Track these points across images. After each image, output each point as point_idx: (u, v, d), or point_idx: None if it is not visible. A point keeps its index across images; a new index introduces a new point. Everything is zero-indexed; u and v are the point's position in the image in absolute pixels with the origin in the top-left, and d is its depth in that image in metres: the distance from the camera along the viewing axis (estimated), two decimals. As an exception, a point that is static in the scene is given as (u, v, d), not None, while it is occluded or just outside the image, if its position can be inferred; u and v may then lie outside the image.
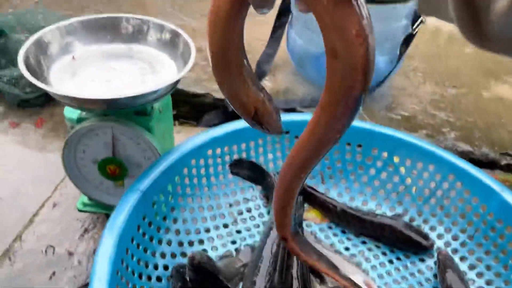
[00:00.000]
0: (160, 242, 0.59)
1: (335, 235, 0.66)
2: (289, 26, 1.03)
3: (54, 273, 0.59)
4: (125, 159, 0.62)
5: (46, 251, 0.62)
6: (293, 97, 0.97)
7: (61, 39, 0.63)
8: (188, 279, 0.53)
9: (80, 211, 0.68)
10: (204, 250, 0.62)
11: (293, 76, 1.04)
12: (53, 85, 0.58)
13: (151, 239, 0.57)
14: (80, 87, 0.59)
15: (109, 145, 0.62)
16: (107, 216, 0.68)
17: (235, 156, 0.69)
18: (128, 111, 0.61)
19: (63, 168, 0.63)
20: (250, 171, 0.70)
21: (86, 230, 0.65)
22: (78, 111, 0.93)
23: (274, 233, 0.59)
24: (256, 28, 1.27)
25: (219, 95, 0.97)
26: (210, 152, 0.65)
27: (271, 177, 0.69)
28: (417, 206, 0.66)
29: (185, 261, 0.60)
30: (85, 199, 0.69)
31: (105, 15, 0.63)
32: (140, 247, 0.55)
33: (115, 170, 0.63)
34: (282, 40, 1.06)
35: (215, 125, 0.97)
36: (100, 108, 0.54)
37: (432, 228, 0.65)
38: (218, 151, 0.66)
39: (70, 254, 0.61)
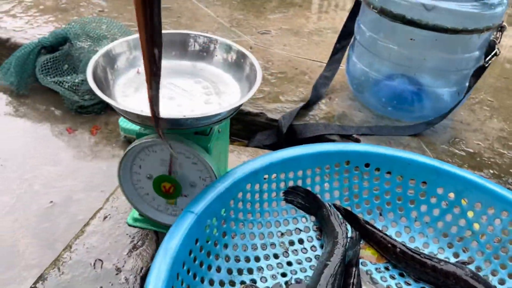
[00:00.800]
0: (209, 268, 0.57)
1: (392, 277, 0.61)
2: (350, 49, 1.00)
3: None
4: (180, 178, 0.61)
5: (94, 264, 0.61)
6: (349, 123, 0.94)
7: (128, 52, 0.63)
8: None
9: (130, 225, 0.67)
10: (253, 280, 0.59)
11: (350, 101, 1.01)
12: (117, 99, 0.58)
13: (201, 264, 0.55)
14: (143, 103, 0.58)
15: (166, 163, 0.61)
16: (156, 233, 0.67)
17: (291, 183, 0.66)
18: (188, 131, 0.60)
19: (117, 181, 0.62)
20: (304, 200, 0.67)
21: (135, 247, 0.64)
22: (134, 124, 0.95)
23: (328, 271, 0.56)
24: (313, 48, 1.25)
25: (273, 115, 0.95)
26: (266, 177, 0.63)
27: (326, 208, 0.66)
28: (485, 254, 0.61)
29: (233, 290, 0.58)
30: (136, 214, 0.68)
31: (173, 31, 0.63)
32: (190, 272, 0.53)
33: (170, 188, 0.62)
34: (341, 64, 1.04)
35: (266, 146, 0.96)
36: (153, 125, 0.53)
37: (502, 282, 0.59)
38: (274, 176, 0.64)
39: (118, 270, 0.60)
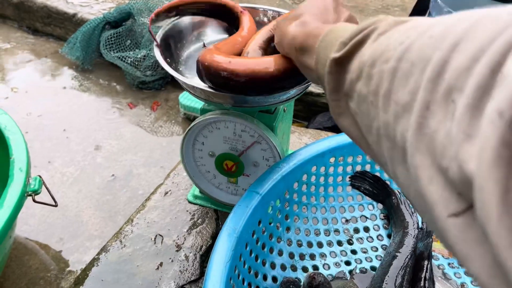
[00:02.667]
0: (271, 251, 0.55)
1: (466, 273, 0.57)
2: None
3: (161, 264, 0.58)
4: (243, 157, 0.59)
5: (155, 239, 0.61)
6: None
7: (194, 27, 0.61)
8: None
9: (190, 202, 0.66)
10: (315, 266, 0.56)
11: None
12: (183, 74, 0.56)
13: (263, 246, 0.53)
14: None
15: (229, 141, 0.59)
16: (216, 211, 0.66)
17: (358, 168, 0.62)
18: (254, 109, 0.58)
19: (179, 156, 0.62)
20: (372, 186, 0.63)
21: (194, 224, 0.63)
22: (194, 100, 0.94)
23: (398, 263, 0.52)
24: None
25: (336, 96, 0.91)
26: (332, 160, 0.60)
27: (396, 196, 0.62)
28: None
29: (294, 275, 0.55)
30: (196, 192, 0.67)
31: (243, 4, 0.60)
32: (253, 254, 0.51)
33: (232, 166, 0.60)
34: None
35: (327, 128, 0.92)
36: (227, 103, 0.51)
37: None
38: (341, 159, 0.60)
39: (178, 247, 0.60)
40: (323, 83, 0.34)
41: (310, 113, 0.95)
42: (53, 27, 1.23)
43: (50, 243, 0.71)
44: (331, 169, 0.60)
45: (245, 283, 0.49)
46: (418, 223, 0.59)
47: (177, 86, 1.07)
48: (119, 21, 1.07)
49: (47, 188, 0.59)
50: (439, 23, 0.23)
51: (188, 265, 0.58)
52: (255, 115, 0.57)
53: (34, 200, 0.55)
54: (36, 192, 0.55)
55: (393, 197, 0.61)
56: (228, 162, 0.60)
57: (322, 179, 0.60)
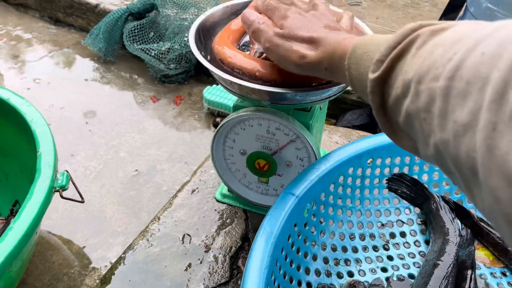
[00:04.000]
0: (305, 255, 0.52)
1: (510, 285, 0.54)
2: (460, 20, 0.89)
3: (189, 265, 0.56)
4: (276, 156, 0.57)
5: (183, 239, 0.59)
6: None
7: (226, 19, 0.59)
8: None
9: (218, 201, 0.64)
10: (350, 272, 0.54)
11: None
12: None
13: (297, 251, 0.51)
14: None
15: (262, 139, 0.57)
16: (245, 211, 0.64)
17: (396, 170, 0.59)
18: (290, 106, 0.55)
19: (210, 154, 0.59)
20: (410, 190, 0.60)
21: (223, 224, 0.61)
22: (219, 95, 0.92)
23: (440, 272, 0.50)
24: (409, 22, 1.14)
25: (366, 94, 0.88)
26: (370, 161, 0.57)
27: (435, 200, 0.59)
28: None
29: (329, 281, 0.53)
30: (225, 190, 0.65)
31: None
32: (288, 258, 0.49)
33: (264, 166, 0.57)
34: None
35: (355, 126, 0.89)
36: (264, 100, 0.49)
37: None
38: (379, 161, 0.58)
39: (207, 247, 0.58)
40: (365, 99, 0.32)
41: (338, 110, 0.92)
42: (75, 18, 1.21)
43: (73, 238, 0.70)
44: (368, 171, 0.58)
45: (280, 290, 0.46)
46: (459, 230, 0.56)
47: (201, 80, 1.05)
48: (142, 12, 1.05)
49: (74, 184, 0.57)
50: (487, 37, 0.22)
51: (218, 267, 0.56)
52: (290, 113, 0.55)
53: (62, 196, 0.53)
54: (63, 188, 0.53)
55: (432, 202, 0.59)
56: (260, 161, 0.57)
57: (358, 181, 0.58)
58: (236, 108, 0.56)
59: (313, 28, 0.40)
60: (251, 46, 0.51)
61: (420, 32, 0.28)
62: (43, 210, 0.49)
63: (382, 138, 0.57)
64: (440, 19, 0.93)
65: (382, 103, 0.31)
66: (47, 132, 0.59)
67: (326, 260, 0.54)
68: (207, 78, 1.03)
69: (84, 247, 0.68)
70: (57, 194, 0.54)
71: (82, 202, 0.57)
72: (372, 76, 0.30)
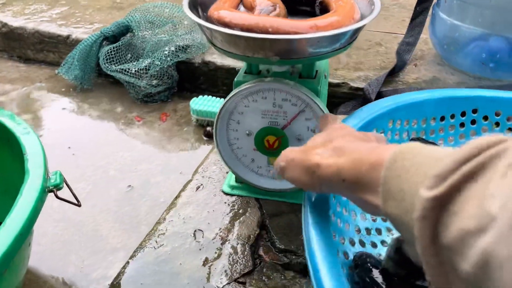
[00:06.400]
0: (338, 223, 0.48)
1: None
2: (434, 8, 0.91)
3: (206, 260, 0.50)
4: (287, 129, 0.53)
5: (195, 234, 0.53)
6: (445, 87, 0.84)
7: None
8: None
9: (227, 194, 0.59)
10: (384, 242, 0.50)
11: (439, 66, 0.91)
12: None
13: (332, 216, 0.46)
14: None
15: (269, 114, 0.53)
16: (258, 200, 0.59)
17: (413, 135, 0.57)
18: (291, 76, 0.53)
19: (214, 142, 0.55)
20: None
21: (236, 215, 0.56)
22: (207, 104, 0.88)
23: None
24: (382, 22, 1.16)
25: (356, 84, 0.87)
26: (390, 124, 0.54)
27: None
28: None
29: (364, 250, 0.48)
30: (232, 181, 0.60)
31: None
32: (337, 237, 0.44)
33: (275, 142, 0.54)
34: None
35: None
36: (273, 54, 0.45)
37: None
38: (398, 124, 0.55)
39: (223, 239, 0.52)
40: (406, 229, 0.25)
41: (329, 106, 0.90)
42: (46, 53, 1.17)
43: (68, 262, 0.63)
44: (389, 135, 0.55)
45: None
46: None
47: (184, 97, 1.02)
48: (117, 35, 1.03)
49: (68, 186, 0.51)
50: None
51: (238, 257, 0.50)
52: (296, 80, 0.52)
53: (56, 196, 0.48)
54: (58, 187, 0.47)
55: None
56: (270, 137, 0.54)
57: (376, 147, 0.55)
58: (237, 84, 0.53)
59: (336, 137, 0.35)
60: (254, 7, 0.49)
61: (508, 146, 0.22)
62: (37, 209, 0.43)
63: (399, 99, 0.55)
64: (416, 8, 0.95)
65: (435, 236, 0.22)
66: (33, 135, 0.53)
67: (358, 230, 0.49)
68: (191, 94, 1.00)
69: (81, 268, 0.61)
70: (49, 204, 0.48)
71: (79, 205, 0.52)
72: (427, 194, 0.22)
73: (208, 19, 0.47)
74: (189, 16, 0.47)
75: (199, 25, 0.46)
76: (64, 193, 0.51)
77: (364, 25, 0.45)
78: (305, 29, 0.44)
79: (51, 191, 0.47)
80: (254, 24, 0.43)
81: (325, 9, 0.52)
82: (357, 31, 0.46)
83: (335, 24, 0.45)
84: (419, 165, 0.25)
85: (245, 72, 0.55)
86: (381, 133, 0.53)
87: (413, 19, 0.95)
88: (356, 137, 0.35)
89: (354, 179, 0.30)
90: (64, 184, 0.50)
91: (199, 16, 0.50)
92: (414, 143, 0.29)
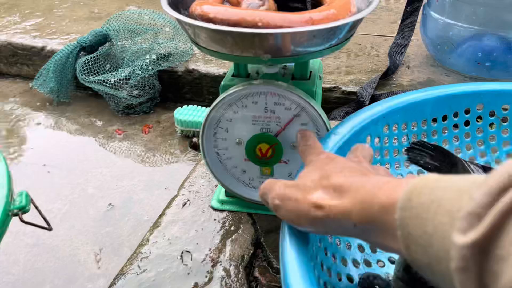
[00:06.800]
0: (338, 243, 0.43)
1: None
2: (426, 8, 0.88)
3: (196, 285, 0.44)
4: (281, 136, 0.48)
5: (181, 257, 0.48)
6: (440, 88, 0.80)
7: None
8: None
9: (216, 210, 0.54)
10: (392, 260, 0.45)
11: (433, 68, 0.88)
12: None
13: (329, 236, 0.41)
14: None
15: (260, 120, 0.48)
16: (251, 215, 0.54)
17: (413, 138, 0.52)
18: (283, 78, 0.48)
19: (201, 153, 0.50)
20: (434, 159, 0.53)
21: (227, 233, 0.50)
22: (191, 114, 0.83)
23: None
24: (370, 26, 1.13)
25: (348, 88, 0.83)
26: (386, 129, 0.50)
27: (463, 164, 0.51)
28: None
29: (371, 271, 0.43)
30: (222, 195, 0.55)
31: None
32: (328, 253, 0.39)
33: (268, 151, 0.49)
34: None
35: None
36: (257, 53, 0.40)
37: None
38: (395, 128, 0.51)
39: (213, 261, 0.47)
40: (442, 279, 0.21)
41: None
42: (19, 66, 1.11)
43: (41, 291, 0.56)
44: (386, 140, 0.50)
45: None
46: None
47: (168, 107, 0.97)
48: (95, 45, 0.97)
49: (36, 207, 0.45)
50: None
51: (232, 280, 0.45)
52: (289, 82, 0.47)
53: (22, 220, 0.42)
54: (23, 210, 0.42)
55: (461, 166, 0.51)
56: (262, 145, 0.49)
57: (377, 154, 0.50)
58: (224, 88, 0.48)
59: (332, 172, 0.31)
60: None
61: None
62: (-1, 236, 0.38)
63: (395, 101, 0.50)
64: (406, 8, 0.91)
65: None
66: (-3, 152, 0.48)
67: (361, 249, 0.44)
68: (175, 105, 0.95)
69: (56, 299, 0.55)
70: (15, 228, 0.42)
71: (50, 229, 0.46)
72: (463, 239, 0.18)
73: (190, 16, 0.42)
74: (168, 13, 0.42)
75: (180, 22, 0.41)
76: (33, 216, 0.45)
77: (363, 17, 0.41)
78: (299, 22, 0.39)
79: (15, 214, 0.41)
80: (241, 19, 0.39)
81: (317, 6, 0.48)
82: (355, 24, 0.42)
83: (331, 17, 0.40)
84: (440, 200, 0.21)
85: (233, 75, 0.50)
86: (376, 140, 0.49)
87: (403, 20, 0.92)
88: (354, 170, 0.31)
89: (366, 223, 0.26)
90: (33, 206, 0.45)
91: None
92: (427, 175, 0.25)
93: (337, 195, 0.28)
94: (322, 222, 0.29)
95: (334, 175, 0.30)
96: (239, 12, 0.39)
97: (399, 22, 0.92)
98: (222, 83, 0.49)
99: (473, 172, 0.51)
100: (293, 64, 0.49)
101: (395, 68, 0.87)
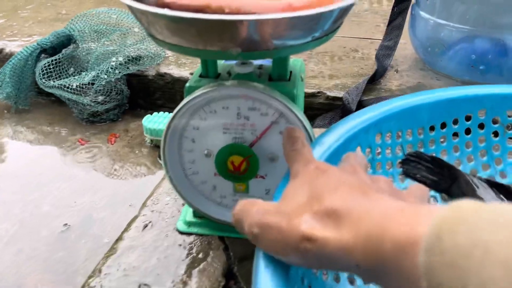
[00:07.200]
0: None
1: None
2: (414, 8, 0.82)
3: (154, 328, 0.37)
4: (256, 147, 0.41)
5: (139, 292, 0.40)
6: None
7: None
8: None
9: (182, 233, 0.46)
10: None
11: (422, 72, 0.82)
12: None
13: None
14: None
15: (232, 128, 0.41)
16: (222, 239, 0.46)
17: (409, 149, 0.46)
18: (259, 79, 0.41)
19: (163, 167, 0.43)
20: (432, 172, 0.46)
21: (194, 261, 0.43)
22: (161, 122, 0.75)
23: None
24: (356, 28, 1.07)
25: (333, 93, 0.76)
26: (378, 138, 0.43)
27: (465, 178, 0.45)
28: None
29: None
30: (189, 216, 0.47)
31: None
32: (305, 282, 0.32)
33: (241, 164, 0.42)
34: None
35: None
36: (225, 46, 0.33)
37: None
38: (388, 137, 0.44)
39: (176, 297, 0.39)
40: None
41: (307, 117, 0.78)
42: (-24, 70, 1.02)
43: (-24, 331, 0.48)
44: (378, 151, 0.43)
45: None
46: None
47: (138, 115, 0.89)
48: (57, 47, 0.89)
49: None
50: None
51: (197, 322, 0.37)
52: (265, 83, 0.40)
53: None
54: None
55: (463, 181, 0.45)
56: (234, 158, 0.42)
57: (368, 166, 0.43)
58: (189, 90, 0.41)
59: (324, 190, 0.24)
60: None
61: None
62: None
63: (387, 107, 0.44)
64: (393, 9, 0.86)
65: None
66: None
67: (351, 280, 0.37)
68: (145, 112, 0.87)
69: None
70: None
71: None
72: None
73: (145, 1, 0.35)
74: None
75: (131, 9, 0.34)
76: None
77: (352, 4, 0.34)
78: (276, 9, 0.32)
79: None
80: (205, 4, 0.31)
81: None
82: (343, 12, 0.35)
83: (315, 4, 0.34)
84: (487, 244, 0.15)
85: (200, 76, 0.43)
86: (367, 151, 0.42)
87: (391, 21, 0.86)
88: (352, 186, 0.25)
89: (374, 265, 0.19)
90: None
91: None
92: (460, 202, 0.18)
93: (333, 224, 0.22)
94: (316, 256, 0.22)
95: (327, 196, 0.24)
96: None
97: (385, 24, 0.87)
98: (187, 84, 0.42)
99: (477, 187, 0.44)
100: (270, 62, 0.42)
101: (383, 72, 0.81)
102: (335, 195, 0.23)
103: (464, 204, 0.17)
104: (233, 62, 0.43)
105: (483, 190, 0.44)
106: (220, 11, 0.31)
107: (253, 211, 0.26)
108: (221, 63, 0.44)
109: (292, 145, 0.33)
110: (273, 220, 0.24)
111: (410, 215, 0.19)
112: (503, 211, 0.16)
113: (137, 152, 0.78)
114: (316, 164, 0.29)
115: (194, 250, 0.44)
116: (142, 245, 0.45)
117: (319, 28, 0.34)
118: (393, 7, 0.86)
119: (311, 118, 0.78)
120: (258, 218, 0.25)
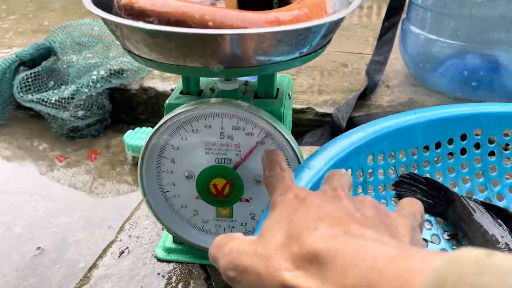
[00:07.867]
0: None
1: None
2: (405, 22, 0.81)
3: None
4: (240, 169, 0.38)
5: (111, 328, 0.36)
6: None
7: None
8: None
9: (161, 260, 0.43)
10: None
11: (414, 87, 0.80)
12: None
13: None
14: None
15: (215, 148, 0.38)
16: (204, 267, 0.43)
17: (402, 170, 0.43)
18: (244, 97, 0.38)
19: (140, 191, 0.40)
20: (426, 194, 0.44)
21: (174, 292, 0.39)
22: (144, 138, 0.72)
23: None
24: (345, 43, 1.06)
25: (323, 109, 0.74)
26: (370, 160, 0.40)
27: (461, 201, 0.43)
28: None
29: None
30: (169, 243, 0.44)
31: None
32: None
33: (224, 187, 0.39)
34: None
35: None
36: (207, 62, 0.30)
37: None
38: (381, 158, 0.41)
39: (152, 334, 0.36)
40: None
41: (293, 134, 0.76)
42: (-47, 83, 0.98)
43: None
44: (370, 173, 0.41)
45: None
46: (510, 234, 0.40)
47: (120, 130, 0.86)
48: (37, 59, 0.86)
49: None
50: None
51: None
52: (251, 101, 0.38)
53: None
54: None
55: (459, 204, 0.43)
56: (217, 181, 0.39)
57: (359, 190, 0.41)
58: (169, 108, 0.38)
59: (303, 226, 0.22)
60: None
61: None
62: None
63: (379, 126, 0.41)
64: (383, 23, 0.84)
65: None
66: None
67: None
68: (128, 127, 0.84)
69: None
70: None
71: None
72: None
73: (118, 12, 0.32)
74: (91, 11, 0.32)
75: (105, 21, 0.31)
76: None
77: (343, 18, 0.32)
78: (262, 23, 0.30)
79: None
80: (187, 14, 0.29)
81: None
82: (332, 27, 0.33)
83: (302, 18, 0.31)
84: None
85: (181, 92, 0.40)
86: (359, 173, 0.39)
87: (381, 35, 0.85)
88: (334, 219, 0.22)
89: None
90: None
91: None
92: (458, 253, 0.16)
93: (315, 271, 0.19)
94: None
95: (306, 235, 0.21)
96: (183, 5, 0.29)
97: (375, 38, 0.85)
98: (167, 101, 0.39)
99: (474, 211, 0.42)
100: (256, 79, 0.40)
101: (373, 88, 0.79)
102: (315, 233, 0.21)
103: (461, 255, 0.15)
104: (217, 78, 0.40)
105: (480, 214, 0.41)
106: (203, 22, 0.29)
107: (226, 249, 0.23)
108: (204, 79, 0.42)
109: (270, 170, 0.30)
110: (249, 263, 0.21)
111: (401, 269, 0.16)
112: (505, 266, 0.14)
113: (118, 169, 0.75)
114: (295, 192, 0.26)
115: (173, 280, 0.41)
116: (118, 274, 0.42)
117: (307, 44, 0.31)
118: (383, 21, 0.84)
119: (300, 134, 0.75)
120: (233, 259, 0.22)
